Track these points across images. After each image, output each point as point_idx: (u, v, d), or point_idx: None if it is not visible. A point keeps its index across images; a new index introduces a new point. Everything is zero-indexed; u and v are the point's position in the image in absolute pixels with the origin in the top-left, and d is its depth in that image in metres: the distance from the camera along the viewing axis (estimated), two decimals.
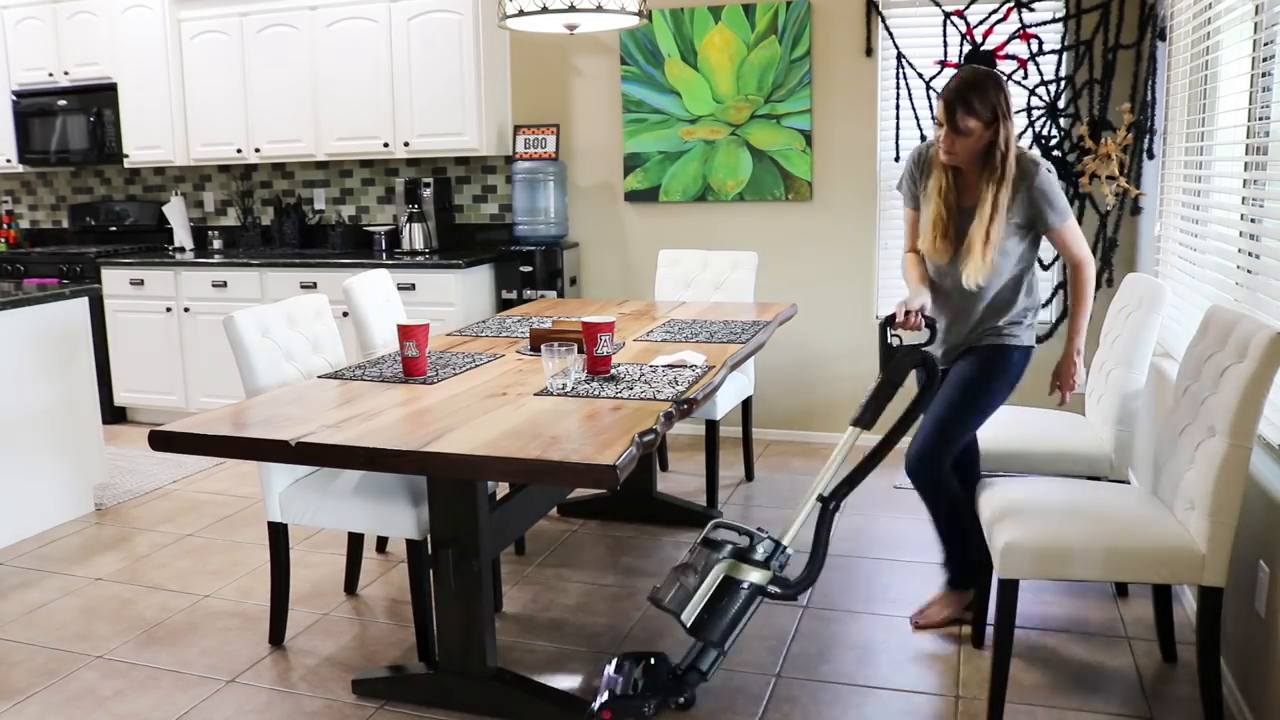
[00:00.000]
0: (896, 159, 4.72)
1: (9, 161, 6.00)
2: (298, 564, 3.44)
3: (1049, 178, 2.73)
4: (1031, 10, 4.42)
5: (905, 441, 2.74)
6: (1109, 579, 2.48)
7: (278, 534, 2.94)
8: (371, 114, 5.23)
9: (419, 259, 5.11)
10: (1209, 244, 3.31)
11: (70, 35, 5.73)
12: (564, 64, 5.21)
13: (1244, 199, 2.94)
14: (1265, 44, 2.84)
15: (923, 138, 4.61)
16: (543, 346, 2.74)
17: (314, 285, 5.13)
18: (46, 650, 2.99)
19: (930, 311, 2.78)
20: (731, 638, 2.42)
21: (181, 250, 5.87)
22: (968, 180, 2.78)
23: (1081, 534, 2.39)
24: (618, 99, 5.13)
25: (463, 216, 5.57)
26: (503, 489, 3.30)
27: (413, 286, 4.96)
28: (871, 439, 2.66)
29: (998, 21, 4.43)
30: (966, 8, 4.48)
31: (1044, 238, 2.82)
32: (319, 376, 2.96)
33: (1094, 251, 4.52)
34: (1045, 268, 4.51)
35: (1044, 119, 4.47)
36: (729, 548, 2.43)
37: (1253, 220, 2.85)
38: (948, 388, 2.83)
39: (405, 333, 2.85)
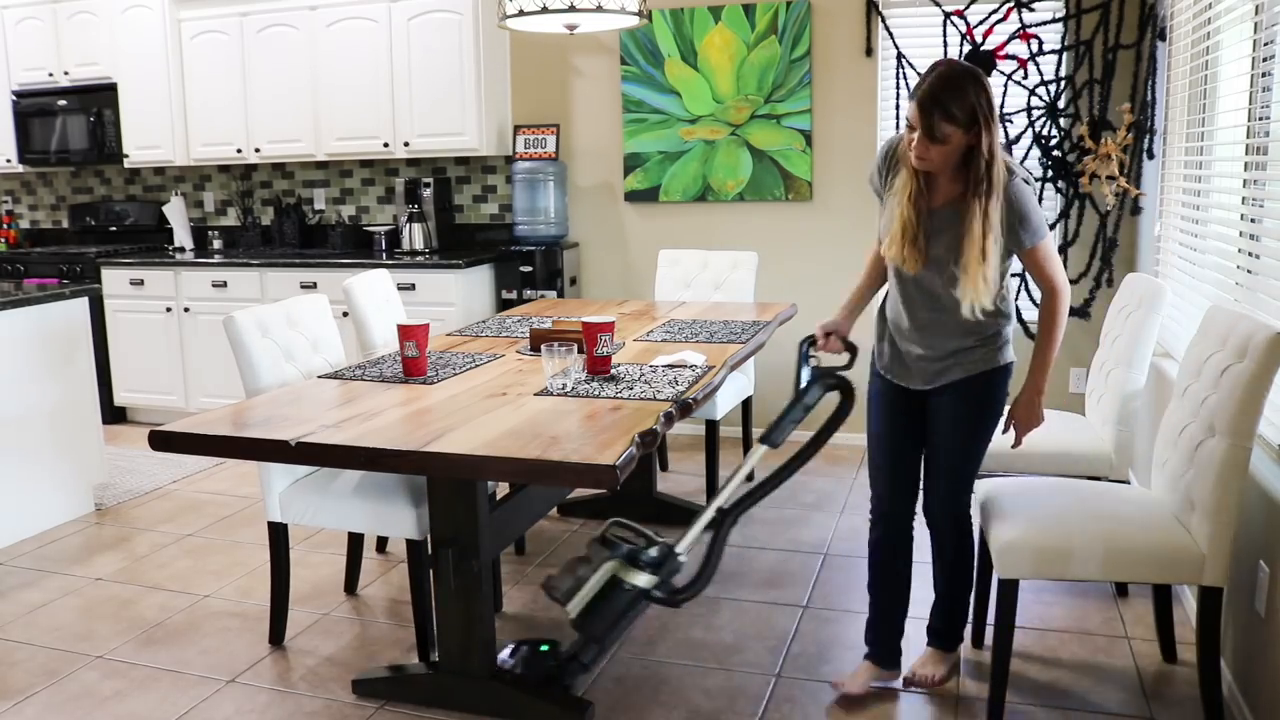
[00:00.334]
0: None
1: (9, 161, 6.00)
2: (298, 564, 3.44)
3: (1024, 189, 2.35)
4: (1031, 10, 4.42)
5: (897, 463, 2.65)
6: (1109, 579, 2.48)
7: (278, 534, 2.94)
8: (371, 114, 5.23)
9: (419, 259, 5.11)
10: (1209, 244, 3.31)
11: (70, 35, 5.73)
12: (564, 64, 5.21)
13: (1244, 199, 2.94)
14: (1265, 44, 2.84)
15: None
16: (543, 346, 2.74)
17: (314, 285, 5.13)
18: (46, 650, 2.99)
19: (850, 335, 2.68)
20: (612, 635, 2.50)
21: (181, 250, 5.87)
22: (938, 180, 2.43)
23: (1081, 534, 2.39)
24: (618, 99, 5.13)
25: (463, 216, 5.57)
26: (503, 489, 3.30)
27: (413, 286, 4.96)
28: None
29: (998, 21, 4.44)
30: (966, 8, 4.48)
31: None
32: (319, 376, 2.96)
33: (1094, 251, 4.52)
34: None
35: (1044, 119, 4.48)
36: (624, 548, 2.43)
37: (1253, 220, 2.86)
38: (944, 434, 2.55)
39: (405, 333, 2.85)
